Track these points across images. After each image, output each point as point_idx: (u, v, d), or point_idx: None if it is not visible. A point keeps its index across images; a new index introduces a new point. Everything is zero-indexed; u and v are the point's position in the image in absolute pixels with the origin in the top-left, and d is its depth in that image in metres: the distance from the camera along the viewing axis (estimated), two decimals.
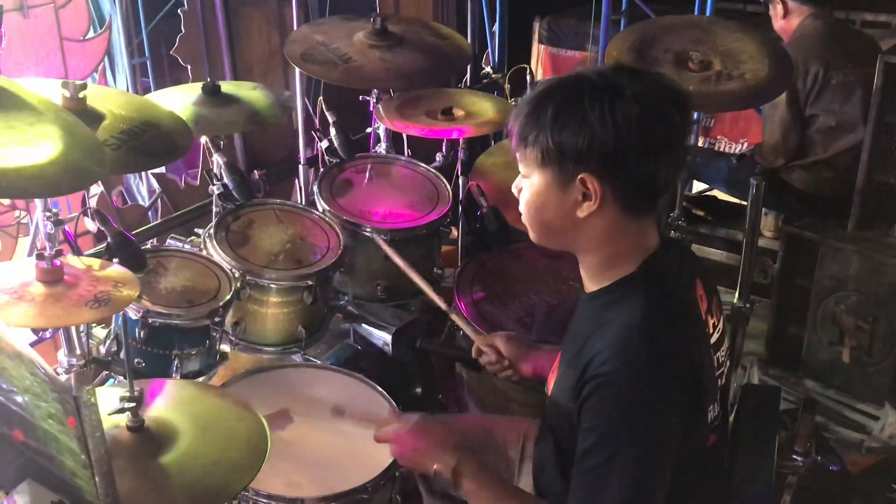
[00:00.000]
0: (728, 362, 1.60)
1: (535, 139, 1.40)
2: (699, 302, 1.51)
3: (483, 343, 1.97)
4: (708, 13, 3.64)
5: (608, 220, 1.42)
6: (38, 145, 1.61)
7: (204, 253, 2.29)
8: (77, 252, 1.98)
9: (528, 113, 1.41)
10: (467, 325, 2.16)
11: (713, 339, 1.53)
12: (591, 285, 1.51)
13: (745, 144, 4.37)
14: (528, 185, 1.46)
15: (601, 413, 1.36)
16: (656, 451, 1.36)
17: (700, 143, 4.44)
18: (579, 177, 1.38)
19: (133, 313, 2.02)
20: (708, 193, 3.99)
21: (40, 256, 1.73)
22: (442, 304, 2.18)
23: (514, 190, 1.51)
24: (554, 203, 1.43)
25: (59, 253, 1.77)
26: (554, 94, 1.39)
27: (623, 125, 1.34)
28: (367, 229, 2.49)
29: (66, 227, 1.91)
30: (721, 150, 4.46)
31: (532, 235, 1.52)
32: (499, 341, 1.95)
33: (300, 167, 3.17)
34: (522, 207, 1.49)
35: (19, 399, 1.22)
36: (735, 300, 2.51)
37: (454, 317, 2.14)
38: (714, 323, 1.55)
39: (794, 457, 1.83)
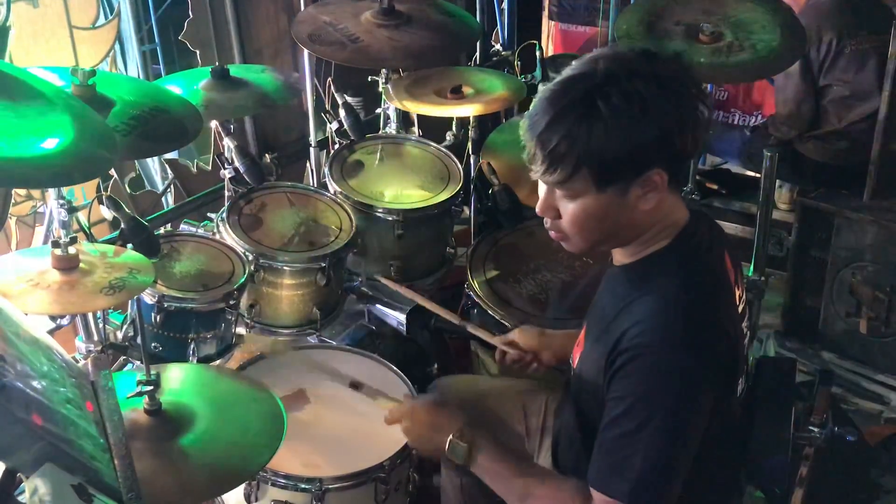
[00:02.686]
0: (748, 334, 1.60)
1: (589, 161, 1.32)
2: (728, 272, 1.51)
3: (502, 343, 1.95)
4: None
5: (662, 199, 1.40)
6: (50, 134, 1.62)
7: (217, 237, 2.30)
8: (91, 239, 2.00)
9: (567, 138, 1.31)
10: (484, 332, 2.11)
11: (739, 309, 1.53)
12: (622, 258, 1.50)
13: (760, 117, 4.33)
14: (577, 206, 1.39)
15: (634, 383, 1.36)
16: (686, 423, 1.36)
17: (713, 116, 4.40)
18: (646, 174, 1.34)
19: (148, 298, 2.03)
20: (722, 167, 3.97)
21: (55, 244, 1.75)
22: (455, 320, 2.14)
23: (545, 213, 1.43)
24: (615, 210, 1.38)
25: (74, 240, 1.79)
26: (592, 106, 1.30)
27: (676, 107, 1.32)
28: (379, 210, 2.50)
29: (80, 215, 1.93)
30: (735, 122, 4.43)
31: (579, 248, 1.46)
32: (515, 335, 1.93)
33: (311, 149, 3.17)
34: (570, 228, 1.42)
35: (37, 384, 1.23)
36: (750, 273, 2.51)
37: (470, 328, 2.10)
38: (740, 294, 1.54)
39: (811, 428, 1.82)
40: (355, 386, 1.75)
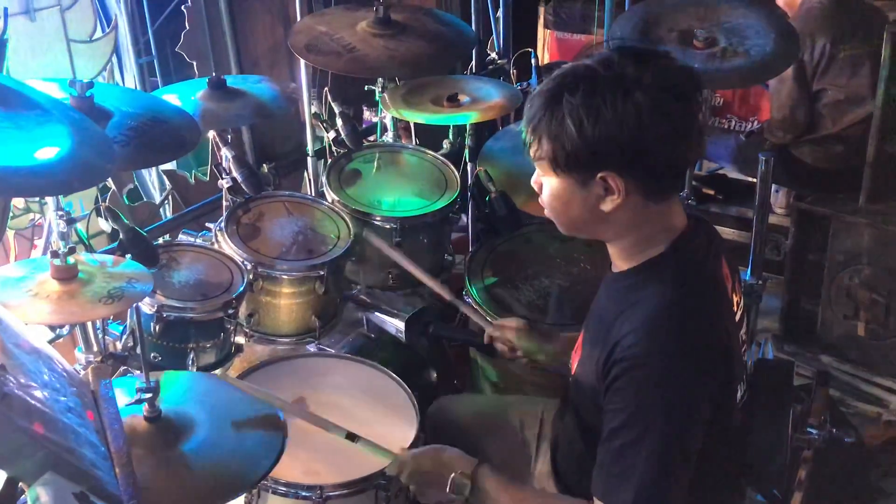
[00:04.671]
0: (745, 339, 1.61)
1: (549, 145, 1.37)
2: (725, 280, 1.51)
3: (495, 331, 1.96)
4: None
5: (633, 209, 1.41)
6: (48, 144, 1.63)
7: (215, 246, 2.31)
8: (90, 249, 2.01)
9: (539, 118, 1.38)
10: (476, 314, 2.13)
11: (737, 317, 1.54)
12: (619, 265, 1.51)
13: (756, 122, 4.34)
14: (547, 184, 1.45)
15: (630, 394, 1.37)
16: (683, 432, 1.36)
17: (709, 122, 4.42)
18: (598, 175, 1.37)
19: (147, 308, 2.04)
20: (718, 172, 3.98)
21: (54, 254, 1.75)
22: (448, 296, 2.16)
23: (534, 185, 1.50)
24: (577, 201, 1.42)
25: (73, 250, 1.79)
26: (562, 96, 1.35)
27: (636, 119, 1.32)
28: (377, 218, 2.50)
29: (79, 226, 1.94)
30: (731, 128, 4.45)
31: (560, 228, 1.50)
32: (510, 332, 1.94)
33: (308, 159, 3.18)
34: (544, 204, 1.48)
35: (38, 394, 1.24)
36: (747, 277, 2.51)
37: (463, 308, 2.13)
38: (737, 301, 1.55)
39: (809, 430, 1.83)
40: (352, 438, 1.79)
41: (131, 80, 3.21)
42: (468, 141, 2.70)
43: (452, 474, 1.58)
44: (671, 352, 1.35)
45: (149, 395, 1.65)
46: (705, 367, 1.38)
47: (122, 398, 1.66)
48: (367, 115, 3.53)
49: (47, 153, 1.60)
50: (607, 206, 1.40)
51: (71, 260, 1.75)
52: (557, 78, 1.39)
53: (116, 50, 3.14)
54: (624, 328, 1.40)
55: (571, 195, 1.42)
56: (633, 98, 1.32)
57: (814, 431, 1.82)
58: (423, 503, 1.71)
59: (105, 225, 2.04)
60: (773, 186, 3.33)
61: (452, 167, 2.72)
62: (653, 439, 1.34)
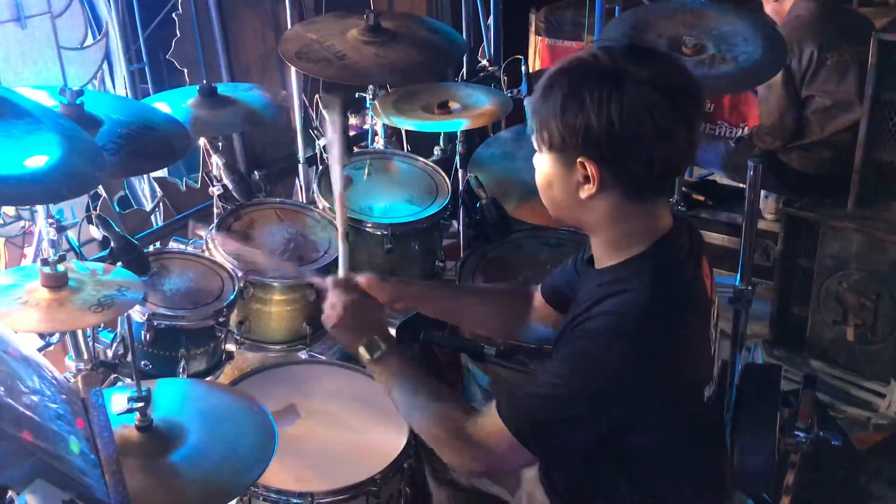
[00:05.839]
0: (718, 338, 1.61)
1: (542, 122, 1.42)
2: (705, 280, 1.52)
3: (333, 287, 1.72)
4: None
5: (611, 203, 1.43)
6: (38, 152, 1.63)
7: (206, 254, 2.31)
8: (81, 257, 2.01)
9: (539, 96, 1.43)
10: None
11: (714, 322, 1.55)
12: (601, 261, 1.52)
13: (745, 129, 4.36)
14: (539, 162, 1.48)
15: (569, 352, 1.42)
16: (589, 405, 1.39)
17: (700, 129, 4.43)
18: (578, 160, 1.39)
19: (138, 316, 2.04)
20: (708, 178, 4.00)
21: (45, 262, 1.75)
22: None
23: (535, 163, 1.54)
24: (559, 182, 1.45)
25: (63, 258, 1.79)
26: (561, 78, 1.40)
27: (618, 113, 1.33)
28: (369, 225, 2.51)
29: (70, 233, 1.94)
30: (721, 134, 4.46)
31: (549, 210, 1.54)
32: (362, 282, 1.75)
33: (300, 166, 3.18)
34: (537, 182, 1.52)
35: (27, 401, 1.24)
36: (737, 282, 2.52)
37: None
38: (714, 300, 1.56)
39: (797, 433, 1.84)
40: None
41: (122, 87, 3.21)
42: (459, 147, 2.71)
43: (374, 335, 1.62)
44: (627, 349, 1.36)
45: (140, 405, 1.65)
46: (652, 374, 1.38)
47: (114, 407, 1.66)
48: (357, 122, 3.53)
49: (37, 161, 1.61)
50: (584, 193, 1.42)
51: (61, 268, 1.76)
52: (565, 61, 1.43)
53: (107, 57, 3.14)
54: (596, 311, 1.42)
55: (555, 176, 1.45)
56: (621, 90, 1.34)
57: (801, 435, 1.83)
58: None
59: (96, 232, 2.04)
60: (763, 192, 3.36)
61: (443, 174, 2.73)
62: (561, 389, 1.39)
